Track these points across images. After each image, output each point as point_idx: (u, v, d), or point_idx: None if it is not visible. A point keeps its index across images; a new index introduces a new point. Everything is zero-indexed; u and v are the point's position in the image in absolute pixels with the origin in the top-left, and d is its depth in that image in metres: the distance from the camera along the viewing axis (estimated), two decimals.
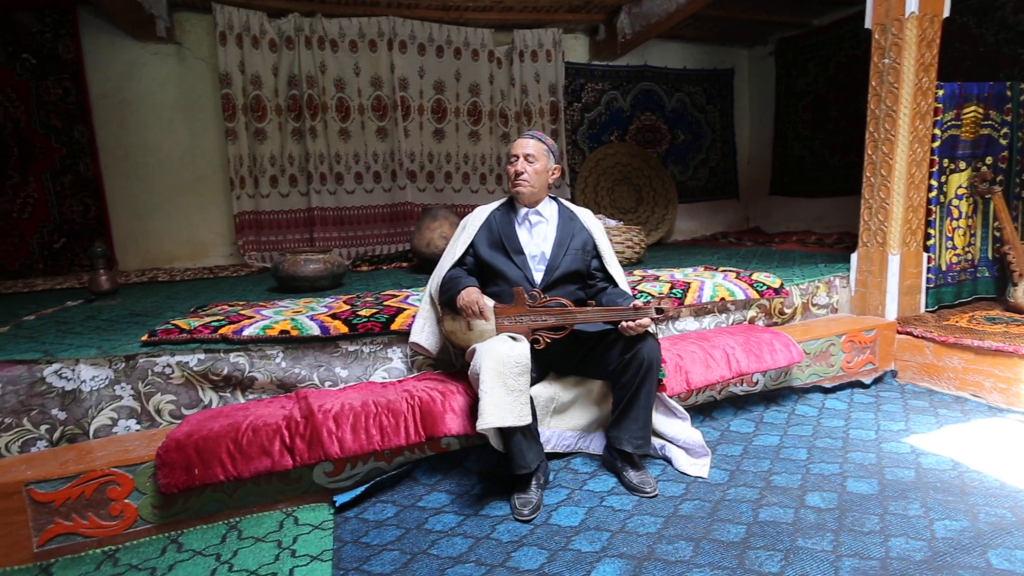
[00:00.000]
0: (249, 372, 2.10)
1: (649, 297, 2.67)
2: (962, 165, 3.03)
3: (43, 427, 1.89)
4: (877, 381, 2.93)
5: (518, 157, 2.12)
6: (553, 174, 2.20)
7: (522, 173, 2.10)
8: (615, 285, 2.19)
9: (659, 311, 1.90)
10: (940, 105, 2.87)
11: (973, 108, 2.97)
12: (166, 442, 1.76)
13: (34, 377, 1.88)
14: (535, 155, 2.12)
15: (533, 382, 2.07)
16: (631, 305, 1.92)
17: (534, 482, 1.91)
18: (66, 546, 1.69)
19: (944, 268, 3.13)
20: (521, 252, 2.12)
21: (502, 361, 1.81)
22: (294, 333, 2.13)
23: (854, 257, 3.21)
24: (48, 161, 4.29)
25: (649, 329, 1.96)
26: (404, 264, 4.47)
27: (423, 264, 3.86)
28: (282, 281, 3.27)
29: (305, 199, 4.75)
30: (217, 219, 4.79)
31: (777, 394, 2.73)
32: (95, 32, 4.30)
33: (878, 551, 1.57)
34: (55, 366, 1.90)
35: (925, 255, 3.04)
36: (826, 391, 2.81)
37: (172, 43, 4.50)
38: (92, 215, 4.46)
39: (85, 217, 4.44)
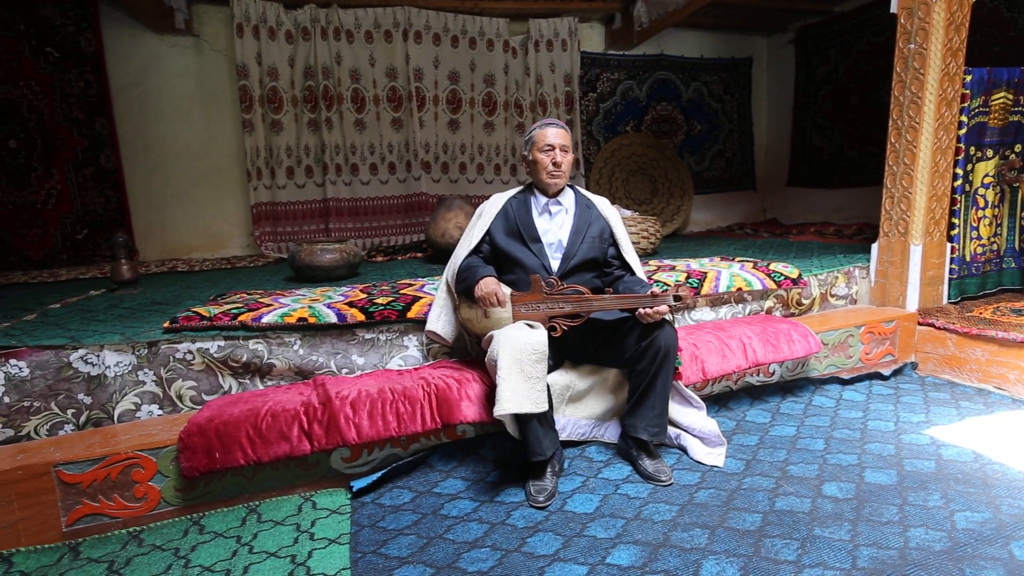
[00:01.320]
0: (268, 359, 2.13)
1: (666, 286, 2.66)
2: (989, 153, 2.96)
3: (70, 411, 1.93)
4: (896, 373, 2.89)
5: (553, 148, 2.09)
6: (572, 162, 2.20)
7: (560, 164, 2.10)
8: (632, 273, 2.18)
9: (677, 298, 1.89)
10: (967, 91, 2.80)
11: (1003, 94, 2.89)
12: (188, 426, 1.79)
13: (61, 362, 1.93)
14: (568, 145, 2.12)
15: (549, 370, 2.07)
16: (648, 292, 1.91)
17: (549, 469, 1.91)
18: (93, 526, 1.74)
19: (968, 259, 3.07)
20: (539, 240, 2.11)
21: (520, 348, 1.82)
22: (312, 321, 2.16)
23: (875, 247, 3.16)
24: (70, 153, 4.37)
25: (666, 317, 1.95)
26: (419, 254, 4.49)
27: (438, 254, 3.87)
28: (299, 271, 3.30)
29: (321, 190, 4.78)
30: (234, 210, 4.85)
31: (794, 385, 2.71)
32: (115, 25, 4.36)
33: (897, 541, 1.55)
34: (81, 352, 1.94)
35: (949, 245, 2.98)
36: (844, 382, 2.77)
37: (190, 35, 4.54)
38: (113, 206, 4.54)
39: (106, 208, 4.52)
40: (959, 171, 2.90)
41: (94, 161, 4.44)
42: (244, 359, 2.10)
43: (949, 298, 3.07)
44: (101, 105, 4.39)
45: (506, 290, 2.02)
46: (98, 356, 1.96)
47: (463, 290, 2.09)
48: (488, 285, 1.97)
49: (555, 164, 2.09)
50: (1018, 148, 3.05)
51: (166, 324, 2.08)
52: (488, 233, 2.17)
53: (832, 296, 3.15)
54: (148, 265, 4.38)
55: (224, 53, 4.63)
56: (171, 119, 4.61)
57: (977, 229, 3.05)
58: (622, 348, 2.02)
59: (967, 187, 2.96)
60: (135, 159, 4.56)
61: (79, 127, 4.37)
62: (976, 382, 2.72)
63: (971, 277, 3.12)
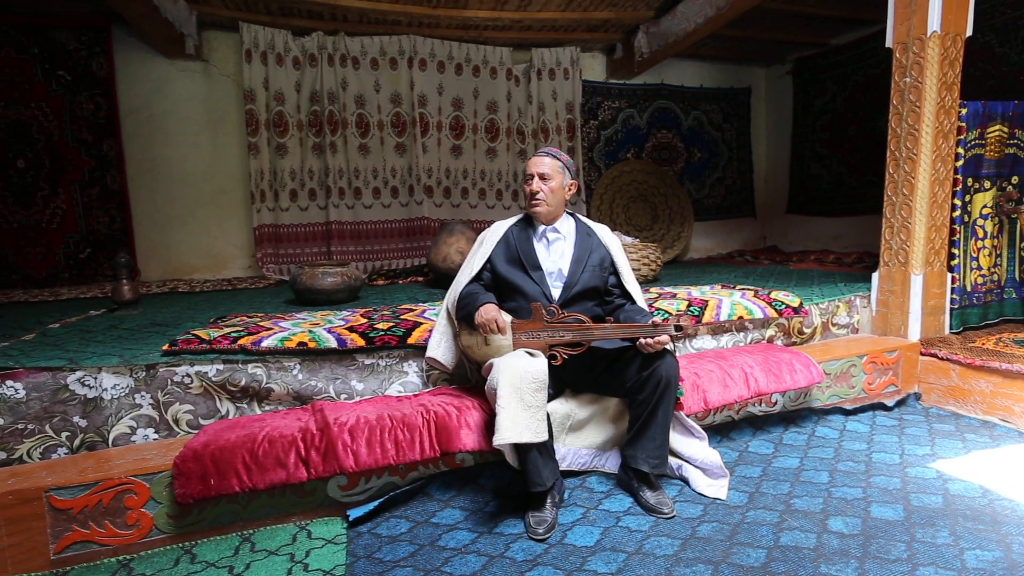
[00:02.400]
0: (266, 383, 2.12)
1: (667, 315, 2.65)
2: (987, 184, 2.98)
3: (64, 434, 1.91)
4: (900, 404, 2.87)
5: (533, 176, 2.13)
6: (570, 190, 2.20)
7: (537, 192, 2.12)
8: (632, 302, 2.18)
9: (678, 328, 1.88)
10: (963, 124, 2.83)
11: (998, 127, 2.93)
12: (183, 451, 1.77)
13: (58, 384, 1.91)
14: (550, 173, 2.13)
15: (549, 399, 2.05)
16: (650, 322, 1.90)
17: (549, 500, 1.88)
18: (82, 554, 1.70)
19: (969, 289, 3.07)
20: (539, 268, 2.12)
21: (520, 376, 1.80)
22: (312, 345, 2.15)
23: (875, 277, 3.16)
24: (78, 173, 4.41)
25: (667, 347, 1.94)
26: (420, 278, 4.50)
27: (439, 279, 3.88)
28: (300, 293, 3.30)
29: (323, 213, 4.81)
30: (236, 232, 4.88)
31: (796, 415, 2.68)
32: (127, 50, 4.44)
33: None
34: (78, 374, 1.93)
35: (949, 275, 2.98)
36: (847, 413, 2.75)
37: (200, 60, 4.63)
38: (117, 226, 4.57)
39: (110, 228, 4.55)
40: (957, 202, 2.92)
41: (100, 181, 4.48)
42: (243, 383, 2.08)
43: (951, 328, 3.06)
44: (110, 127, 4.45)
45: (507, 317, 2.02)
46: (95, 378, 1.94)
47: (464, 317, 2.08)
48: (488, 312, 1.97)
49: (531, 192, 2.12)
50: (1015, 180, 3.08)
51: (165, 347, 2.07)
52: (489, 260, 2.17)
53: (834, 325, 3.14)
54: (149, 285, 4.38)
55: (232, 78, 4.71)
56: (178, 141, 4.67)
57: (977, 259, 3.06)
58: (623, 378, 2.01)
59: (966, 217, 2.97)
60: (141, 180, 4.61)
61: (87, 148, 4.42)
62: (981, 414, 2.69)
63: (972, 307, 3.12)
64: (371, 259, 4.92)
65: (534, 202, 2.12)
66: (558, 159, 2.17)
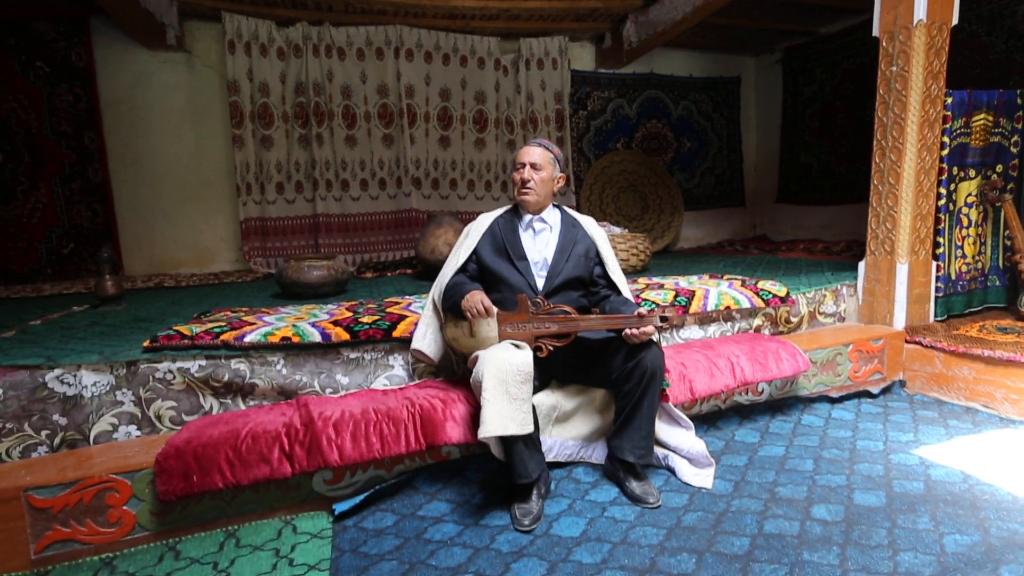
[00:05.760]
0: (250, 378, 2.10)
1: (653, 306, 2.65)
2: (972, 173, 3.00)
3: (44, 432, 1.89)
4: (885, 391, 2.89)
5: (524, 165, 2.12)
6: (558, 182, 2.19)
7: (528, 181, 2.11)
8: (618, 292, 2.18)
9: (663, 319, 1.88)
10: (949, 113, 2.84)
11: (983, 116, 2.94)
12: (165, 448, 1.75)
13: (36, 382, 1.88)
14: (541, 163, 2.12)
15: (535, 390, 2.05)
16: (635, 313, 1.90)
17: (535, 492, 1.88)
18: (63, 553, 1.69)
19: (954, 277, 3.09)
20: (524, 258, 2.11)
21: (505, 369, 1.80)
22: (295, 340, 2.13)
23: (861, 266, 3.18)
24: (58, 167, 4.34)
25: (653, 337, 1.94)
26: (408, 271, 4.47)
27: (427, 271, 3.86)
28: (285, 287, 3.27)
29: (311, 205, 4.77)
30: (223, 225, 4.82)
31: (783, 404, 2.70)
32: (107, 41, 4.36)
33: (886, 566, 1.53)
34: (57, 371, 1.90)
35: (934, 264, 3.00)
36: (833, 401, 2.77)
37: (182, 51, 4.55)
38: (100, 220, 4.50)
39: (93, 222, 4.48)
40: (943, 190, 2.93)
41: (82, 175, 4.41)
42: (226, 379, 2.07)
43: (936, 316, 3.08)
44: (90, 119, 4.38)
45: (493, 308, 2.01)
46: (75, 376, 1.92)
47: (449, 308, 2.07)
48: (475, 296, 1.96)
49: (522, 181, 2.11)
50: (999, 168, 3.09)
51: (146, 343, 2.04)
52: (475, 252, 2.16)
53: (820, 314, 3.16)
54: (134, 280, 4.33)
55: (215, 69, 4.63)
56: (161, 134, 4.60)
57: (962, 248, 3.08)
58: (609, 368, 2.01)
59: (951, 206, 2.99)
60: (124, 173, 4.54)
61: (67, 141, 4.34)
62: (964, 400, 2.72)
63: (957, 295, 3.14)
64: (359, 252, 4.89)
65: (524, 190, 2.11)
66: (550, 151, 2.16)
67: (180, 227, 4.73)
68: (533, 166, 2.11)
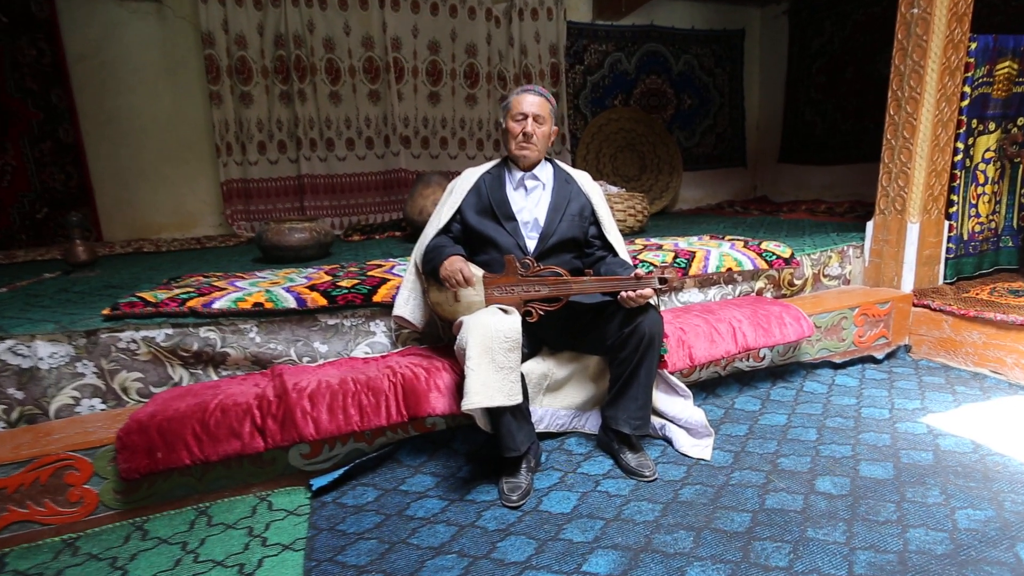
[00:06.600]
0: (221, 347, 1.97)
1: (651, 267, 2.51)
2: (991, 126, 2.82)
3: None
4: (890, 356, 2.79)
5: (526, 116, 1.91)
6: (553, 136, 2.02)
7: (531, 135, 1.91)
8: (614, 254, 2.03)
9: (662, 281, 1.74)
10: (972, 60, 2.63)
11: (1007, 64, 2.74)
12: (128, 423, 1.63)
13: None
14: (544, 116, 1.93)
15: (525, 358, 1.93)
16: (633, 275, 1.76)
17: (524, 465, 1.78)
18: (22, 534, 1.59)
19: (966, 237, 2.94)
20: (513, 218, 1.95)
21: (491, 336, 1.67)
22: (268, 306, 1.99)
23: (869, 225, 3.03)
24: (25, 126, 4.10)
25: (651, 301, 1.80)
26: (397, 233, 4.31)
27: (416, 233, 3.67)
28: (266, 251, 3.12)
29: (295, 166, 4.56)
30: (205, 187, 4.62)
31: (785, 370, 2.59)
32: None
33: (895, 543, 1.44)
34: (9, 343, 1.77)
35: (947, 223, 2.85)
36: (836, 367, 2.66)
37: (152, 1, 4.26)
38: (75, 183, 4.29)
39: (67, 185, 4.28)
40: (960, 145, 2.76)
41: (52, 135, 4.18)
42: (195, 348, 1.94)
43: (945, 278, 2.95)
44: (57, 75, 4.12)
45: (478, 271, 1.87)
46: (29, 347, 1.78)
47: (429, 272, 1.93)
48: (454, 264, 1.81)
49: (525, 135, 1.91)
50: (1020, 121, 2.91)
51: (106, 311, 1.91)
52: (459, 211, 2.00)
53: (825, 276, 3.03)
54: (113, 246, 4.16)
55: (189, 20, 4.34)
56: (135, 91, 4.35)
57: (976, 206, 2.92)
58: (603, 335, 1.88)
59: (967, 162, 2.82)
60: (97, 133, 4.30)
61: (34, 99, 4.10)
62: (972, 366, 2.62)
63: (968, 256, 3.01)
64: (347, 214, 4.71)
65: (527, 145, 1.92)
66: (549, 101, 1.97)
67: (160, 190, 4.53)
68: (536, 118, 1.92)
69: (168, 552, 1.56)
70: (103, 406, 1.88)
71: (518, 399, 1.70)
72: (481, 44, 4.92)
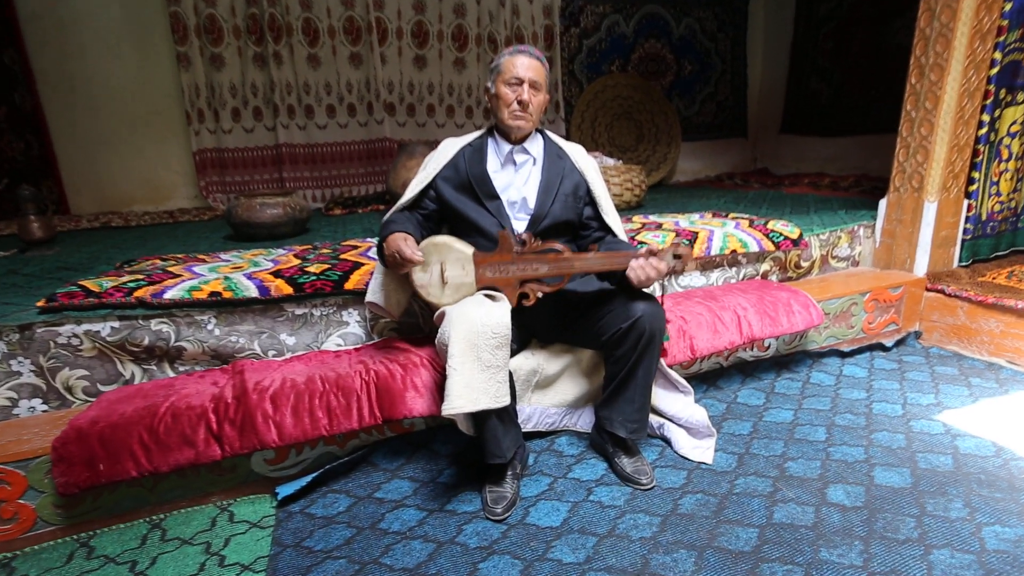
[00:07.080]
0: (176, 341, 1.78)
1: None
2: (1020, 97, 2.60)
3: None
4: (899, 343, 2.64)
5: (521, 82, 1.67)
6: (545, 105, 1.79)
7: (528, 104, 1.68)
8: (613, 236, 1.83)
9: (676, 257, 1.55)
10: (1006, 22, 2.40)
11: None
12: (65, 432, 1.46)
13: None
14: (541, 82, 1.71)
15: (514, 352, 1.75)
16: (645, 250, 1.56)
17: (509, 473, 1.63)
18: None
19: (985, 217, 2.77)
20: (495, 197, 1.74)
21: (476, 331, 1.49)
22: (227, 295, 1.80)
23: (882, 204, 2.84)
24: None
25: (654, 291, 1.62)
26: (382, 207, 4.07)
27: None
28: (237, 228, 2.90)
29: (272, 135, 4.29)
30: (178, 157, 4.34)
31: (790, 359, 2.44)
32: None
33: (918, 568, 1.30)
34: None
35: (966, 202, 2.67)
36: (844, 355, 2.52)
37: None
38: (35, 153, 4.01)
39: (28, 155, 4.00)
40: (985, 117, 2.55)
41: (7, 101, 3.88)
42: (146, 342, 1.75)
43: (960, 261, 2.78)
44: (8, 35, 3.80)
45: (467, 249, 1.65)
46: None
47: (378, 253, 1.72)
48: (393, 243, 1.58)
49: (520, 103, 1.68)
50: None
51: (41, 303, 1.70)
52: (435, 188, 1.79)
53: (833, 258, 2.85)
54: (79, 220, 3.92)
55: None
56: (96, 53, 4.03)
57: (997, 184, 2.74)
58: (599, 328, 1.70)
59: (992, 136, 2.61)
60: (58, 99, 4.00)
61: None
62: (986, 355, 2.48)
63: (985, 238, 2.84)
64: (329, 186, 4.47)
65: (522, 115, 1.69)
66: (545, 65, 1.74)
67: (129, 160, 4.25)
68: (533, 84, 1.68)
69: (115, 573, 1.40)
70: (45, 407, 1.70)
71: (505, 400, 1.53)
72: (470, 3, 4.59)
